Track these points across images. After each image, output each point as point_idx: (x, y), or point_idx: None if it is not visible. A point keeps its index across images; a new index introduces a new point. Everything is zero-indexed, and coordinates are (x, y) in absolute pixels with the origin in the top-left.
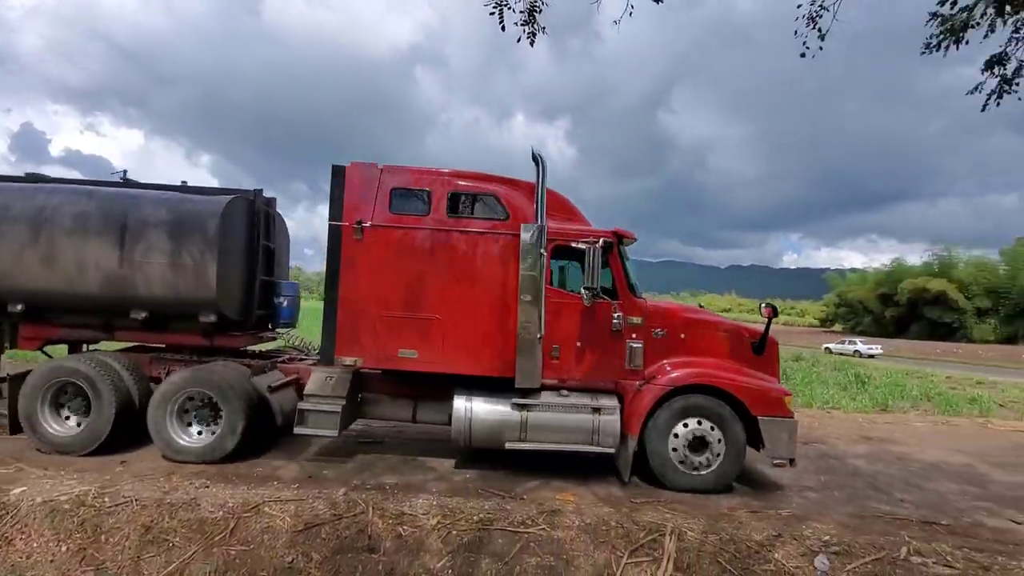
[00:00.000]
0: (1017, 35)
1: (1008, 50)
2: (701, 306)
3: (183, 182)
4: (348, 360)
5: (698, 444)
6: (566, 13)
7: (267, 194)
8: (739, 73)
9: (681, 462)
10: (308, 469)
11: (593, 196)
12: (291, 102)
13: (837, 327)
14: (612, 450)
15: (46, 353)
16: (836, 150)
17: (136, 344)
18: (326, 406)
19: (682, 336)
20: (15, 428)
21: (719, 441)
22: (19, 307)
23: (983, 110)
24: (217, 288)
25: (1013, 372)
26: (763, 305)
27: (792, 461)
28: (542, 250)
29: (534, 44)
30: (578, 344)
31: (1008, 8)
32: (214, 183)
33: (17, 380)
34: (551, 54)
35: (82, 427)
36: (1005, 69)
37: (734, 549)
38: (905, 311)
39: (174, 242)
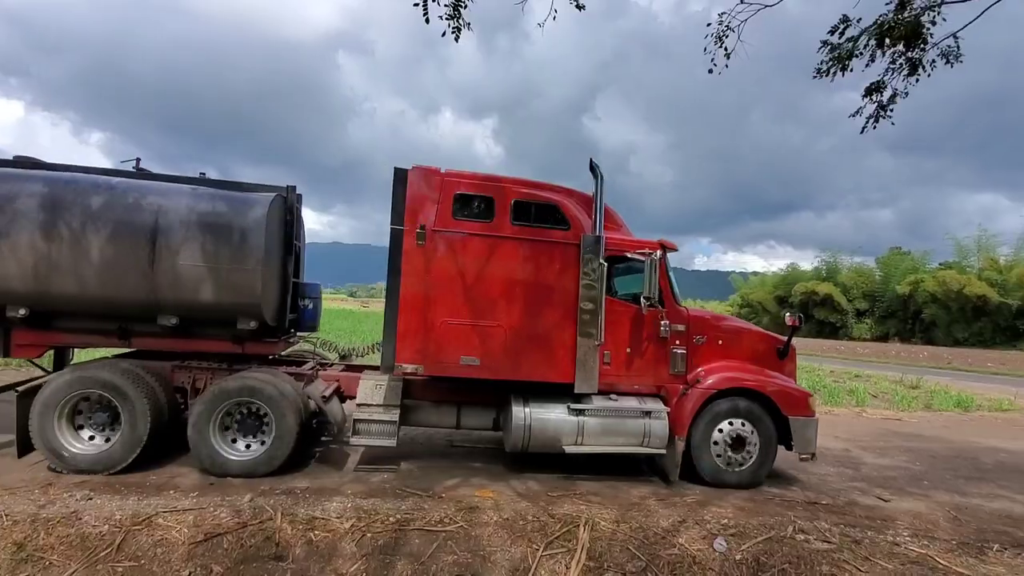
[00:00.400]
0: (893, 66)
1: (885, 79)
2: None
3: (201, 174)
4: (409, 368)
5: (737, 443)
6: (495, 10)
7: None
8: (658, 84)
9: (721, 459)
10: (209, 476)
11: None
12: (199, 79)
13: None
14: (663, 451)
15: (34, 363)
16: (742, 162)
17: (133, 351)
18: (382, 416)
19: (719, 342)
20: (25, 449)
21: (755, 440)
22: (21, 311)
23: (862, 132)
24: (261, 292)
25: (883, 366)
26: (788, 315)
27: (814, 455)
28: (602, 260)
29: (459, 39)
30: (628, 350)
31: (887, 41)
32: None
33: (28, 394)
34: (480, 51)
35: (112, 443)
36: (881, 96)
37: (643, 536)
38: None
39: (215, 243)
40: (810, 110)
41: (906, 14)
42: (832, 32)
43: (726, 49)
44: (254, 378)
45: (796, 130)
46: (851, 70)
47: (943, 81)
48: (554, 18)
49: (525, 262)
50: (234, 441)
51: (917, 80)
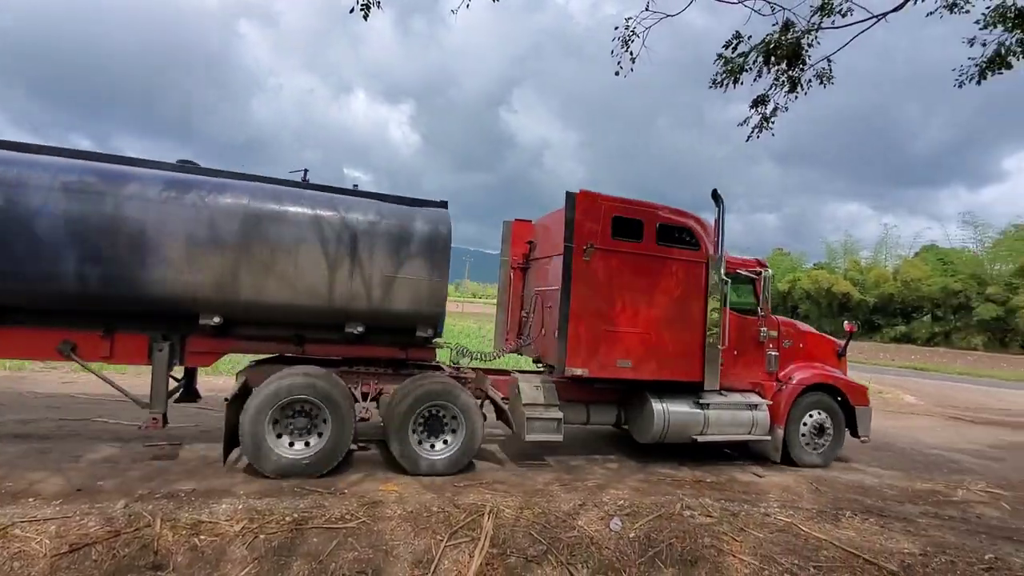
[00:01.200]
0: (777, 82)
1: (769, 93)
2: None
3: (354, 185)
4: (578, 371)
5: (819, 430)
6: None
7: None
8: (572, 82)
9: (807, 443)
10: (77, 481)
11: (435, 186)
12: (77, 38)
13: None
14: (768, 438)
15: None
16: (649, 163)
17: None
18: (549, 413)
19: (800, 346)
20: (230, 449)
21: (831, 427)
22: (215, 319)
23: (747, 140)
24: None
25: None
26: (847, 322)
27: (868, 439)
28: (725, 276)
29: (367, 18)
30: (735, 353)
31: (772, 59)
32: None
33: (237, 401)
34: (396, 32)
35: (321, 446)
36: (765, 108)
37: (545, 521)
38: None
39: (412, 256)
40: (709, 118)
41: (788, 36)
42: (726, 47)
43: (631, 53)
44: (449, 382)
45: (698, 136)
46: (742, 83)
47: (822, 100)
48: (467, 6)
49: (666, 278)
50: (420, 443)
51: (796, 97)
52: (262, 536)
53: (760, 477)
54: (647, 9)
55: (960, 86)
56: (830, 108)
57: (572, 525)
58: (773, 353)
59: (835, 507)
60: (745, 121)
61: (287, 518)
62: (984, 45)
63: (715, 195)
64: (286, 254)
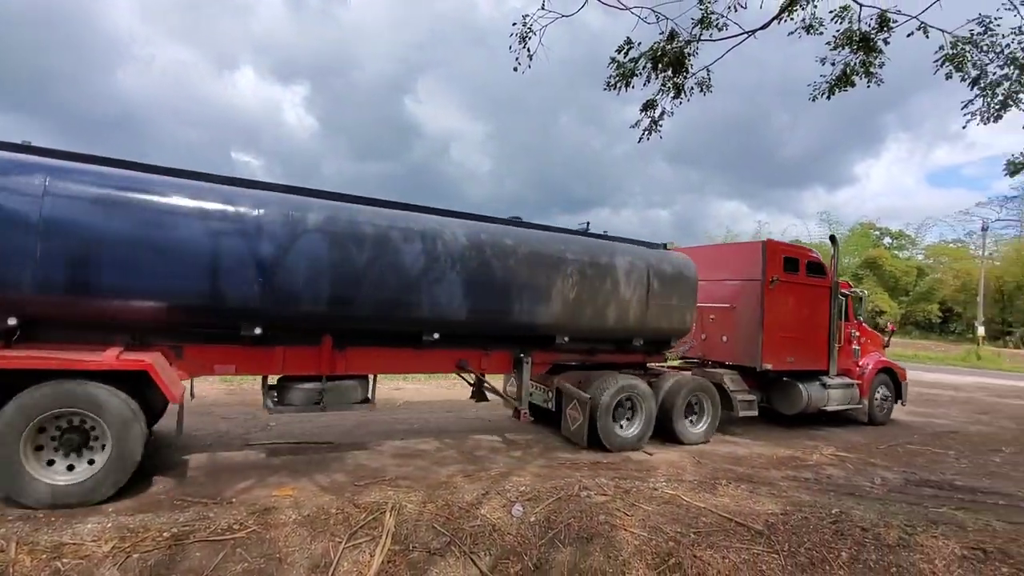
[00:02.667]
0: (664, 88)
1: (657, 98)
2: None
3: (586, 223)
4: (768, 365)
5: (884, 399)
6: None
7: None
8: (478, 74)
9: (878, 408)
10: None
11: (334, 173)
12: None
13: None
14: (860, 406)
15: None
16: (552, 158)
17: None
18: (748, 396)
19: (867, 341)
20: (593, 440)
21: (891, 396)
22: (565, 338)
23: (639, 141)
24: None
25: None
26: (890, 322)
27: (905, 403)
28: (840, 295)
29: None
30: (838, 347)
31: (659, 66)
32: None
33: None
34: (288, 4)
35: (637, 431)
36: (654, 112)
37: (448, 513)
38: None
39: (678, 289)
40: (608, 118)
41: (673, 45)
42: (618, 51)
43: (529, 50)
44: (703, 379)
45: (597, 134)
46: (633, 87)
47: (707, 106)
48: None
49: (810, 298)
50: (684, 422)
51: (681, 103)
52: (136, 555)
53: (651, 455)
54: (543, 8)
55: (814, 100)
56: (714, 114)
57: (475, 515)
58: (856, 347)
59: (713, 477)
60: (636, 123)
61: (165, 534)
62: (833, 64)
63: (832, 239)
64: (608, 292)
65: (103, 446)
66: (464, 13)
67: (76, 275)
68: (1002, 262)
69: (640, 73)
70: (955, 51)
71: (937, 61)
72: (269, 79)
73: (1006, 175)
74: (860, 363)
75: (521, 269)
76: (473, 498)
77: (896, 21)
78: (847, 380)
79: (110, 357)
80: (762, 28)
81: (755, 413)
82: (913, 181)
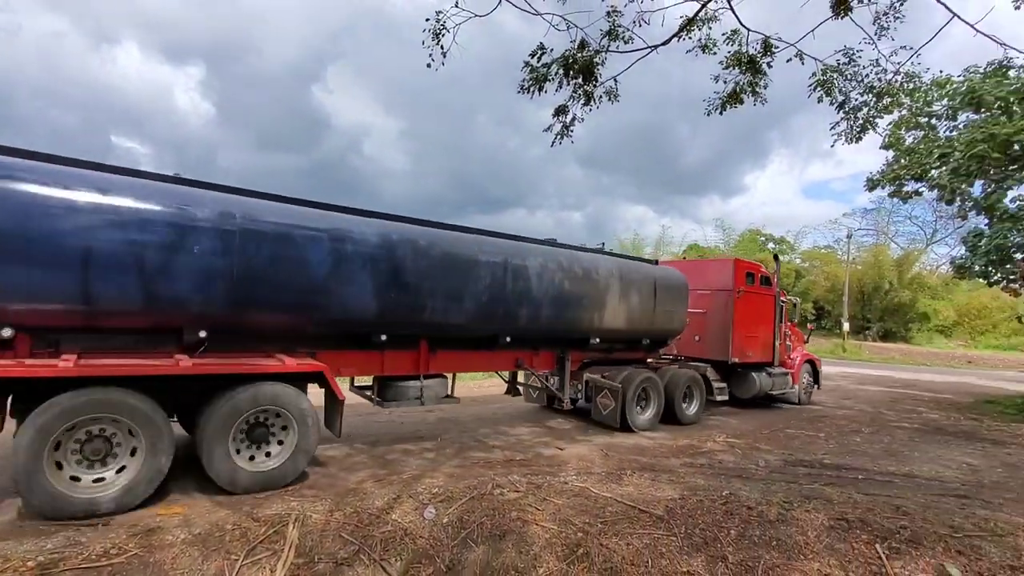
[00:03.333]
0: (575, 94)
1: (569, 104)
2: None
3: (601, 243)
4: (735, 359)
5: (808, 384)
6: None
7: None
8: (393, 66)
9: (804, 392)
10: None
11: (234, 164)
12: None
13: None
14: (793, 391)
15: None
16: (469, 157)
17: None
18: (722, 384)
19: (794, 338)
20: (624, 424)
21: (812, 381)
22: (596, 340)
23: (552, 145)
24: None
25: None
26: (809, 324)
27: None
28: (782, 302)
29: None
30: (776, 344)
31: (571, 73)
32: None
33: (624, 387)
34: None
35: (651, 414)
36: (565, 118)
37: (357, 520)
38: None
39: (674, 297)
40: (524, 119)
41: (584, 53)
42: (532, 56)
43: (443, 47)
44: (693, 372)
45: (514, 135)
46: (545, 91)
47: (617, 114)
48: None
49: (762, 305)
50: (683, 405)
51: (591, 109)
52: None
53: (561, 450)
54: (456, 6)
55: (708, 114)
56: (624, 121)
57: (386, 520)
58: (789, 344)
59: (619, 468)
60: (549, 128)
61: (29, 563)
62: (725, 83)
63: (776, 257)
64: (627, 301)
65: (281, 441)
66: (378, 2)
67: (251, 296)
68: (863, 266)
69: (552, 79)
70: (825, 78)
71: (811, 85)
72: (158, 58)
73: (866, 190)
74: (791, 356)
75: (574, 284)
76: (384, 503)
77: (778, 47)
78: (784, 370)
79: (292, 363)
80: (663, 44)
81: (727, 398)
82: (792, 192)
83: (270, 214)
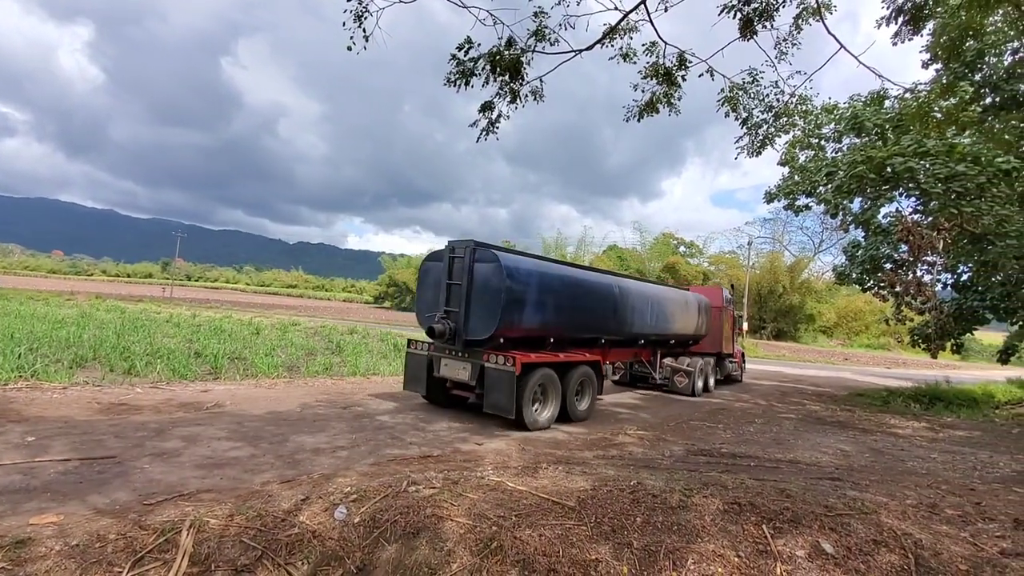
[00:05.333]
0: (501, 92)
1: (495, 101)
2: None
3: (663, 277)
4: (725, 351)
5: (742, 370)
6: None
7: None
8: (313, 47)
9: (741, 375)
10: None
11: (126, 138)
12: None
13: (387, 304)
14: (736, 373)
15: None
16: (395, 147)
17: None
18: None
19: (735, 335)
20: (696, 391)
21: (743, 368)
22: (672, 341)
23: (477, 141)
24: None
25: None
26: (744, 324)
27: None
28: (733, 315)
29: None
30: (733, 343)
31: (498, 69)
32: None
33: (693, 369)
34: None
35: (701, 384)
36: (491, 114)
37: (260, 524)
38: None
39: (706, 314)
40: (452, 112)
41: (511, 51)
42: (459, 49)
43: (364, 31)
44: (709, 357)
45: (441, 127)
46: (472, 86)
47: (543, 113)
48: None
49: (728, 316)
50: (705, 379)
51: (517, 108)
52: None
53: (480, 445)
54: None
55: (627, 121)
56: (551, 121)
57: (292, 523)
58: (735, 340)
59: (535, 462)
60: (475, 123)
61: None
62: (643, 92)
63: (732, 287)
64: (687, 317)
65: (586, 395)
66: None
67: (567, 319)
68: (761, 271)
69: (479, 74)
70: (731, 94)
71: (719, 100)
72: (38, 13)
73: (765, 202)
74: (737, 351)
75: (666, 308)
76: (291, 505)
77: (692, 62)
78: (734, 359)
79: (595, 355)
80: (587, 49)
81: (722, 378)
82: (703, 199)
83: (632, 284)
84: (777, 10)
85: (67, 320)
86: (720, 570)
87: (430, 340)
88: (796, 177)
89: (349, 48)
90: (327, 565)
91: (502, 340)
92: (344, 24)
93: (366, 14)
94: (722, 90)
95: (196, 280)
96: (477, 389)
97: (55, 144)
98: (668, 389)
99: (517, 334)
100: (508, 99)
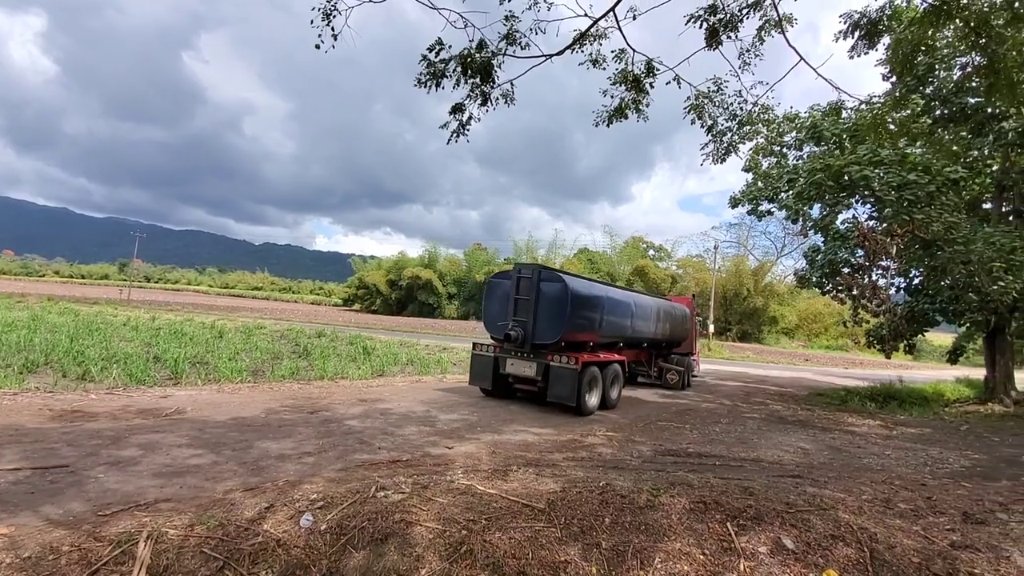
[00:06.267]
0: (472, 93)
1: (466, 103)
2: None
3: (663, 293)
4: (694, 349)
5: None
6: None
7: None
8: (281, 43)
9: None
10: None
11: (81, 133)
12: None
13: (357, 306)
14: (696, 370)
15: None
16: (365, 146)
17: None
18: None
19: (695, 336)
20: (686, 385)
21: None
22: (663, 344)
23: (448, 143)
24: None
25: (463, 340)
26: (711, 326)
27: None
28: (698, 320)
29: None
30: (696, 345)
31: (469, 71)
32: None
33: (681, 367)
34: None
35: (688, 379)
36: (462, 116)
37: (222, 533)
38: (405, 294)
39: (687, 320)
40: (424, 112)
41: (482, 54)
42: (430, 50)
43: (333, 29)
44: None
45: (412, 128)
46: (443, 87)
47: (515, 116)
48: None
49: (694, 322)
50: (679, 375)
51: (488, 110)
52: None
53: (450, 449)
54: None
55: (596, 126)
56: (523, 124)
57: (256, 531)
58: (696, 341)
59: (505, 465)
60: (445, 125)
61: None
62: (612, 98)
63: (694, 296)
64: (675, 324)
65: (618, 386)
66: None
67: (604, 327)
68: (726, 274)
69: (450, 75)
70: (697, 102)
71: (686, 108)
72: None
73: (730, 207)
74: (696, 351)
75: (661, 315)
76: (254, 513)
77: (659, 70)
78: (695, 357)
79: (620, 356)
80: (557, 54)
81: (694, 372)
82: (671, 204)
83: (642, 298)
84: (741, 21)
85: (17, 323)
86: (686, 568)
87: (494, 343)
88: (759, 183)
89: (317, 46)
90: (292, 574)
91: (563, 344)
92: (312, 22)
93: (335, 12)
94: (688, 98)
95: (156, 282)
96: (541, 383)
97: (4, 139)
98: (662, 384)
99: (572, 339)
100: (479, 101)
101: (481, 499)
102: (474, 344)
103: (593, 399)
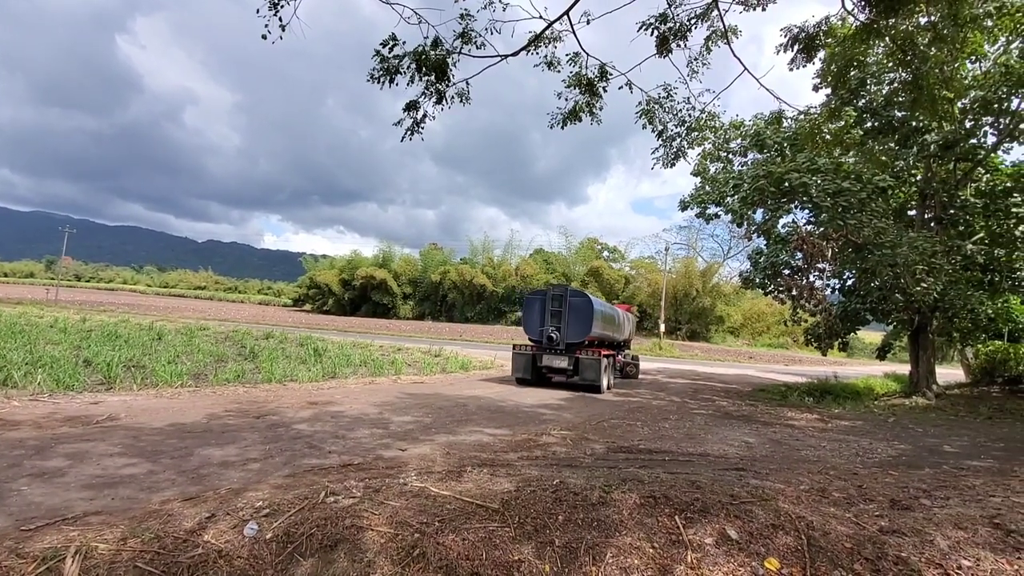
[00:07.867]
0: (427, 91)
1: (420, 100)
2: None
3: (617, 299)
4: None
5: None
6: None
7: None
8: (226, 30)
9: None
10: None
11: (3, 120)
12: None
13: (308, 307)
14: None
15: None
16: (317, 142)
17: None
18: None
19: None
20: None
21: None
22: (616, 343)
23: (402, 140)
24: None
25: (419, 340)
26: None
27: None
28: (630, 317)
29: None
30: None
31: (424, 69)
32: None
33: (628, 362)
34: None
35: (633, 372)
36: (416, 114)
37: (158, 546)
38: (359, 294)
39: (632, 323)
40: (379, 108)
41: (437, 51)
42: (384, 45)
43: (281, 19)
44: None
45: (367, 124)
46: (397, 84)
47: (472, 114)
48: None
49: (630, 321)
50: (628, 372)
51: (443, 109)
52: None
53: (403, 451)
54: None
55: (551, 127)
56: (480, 123)
57: (196, 543)
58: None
59: (460, 466)
60: (400, 122)
61: None
62: (567, 100)
63: (640, 307)
64: (624, 326)
65: (612, 372)
66: None
67: (605, 332)
68: (676, 275)
69: (404, 72)
70: (648, 108)
71: (637, 113)
72: None
73: (679, 210)
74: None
75: (623, 322)
76: (194, 524)
77: (612, 74)
78: (634, 352)
79: (607, 351)
80: (513, 55)
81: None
82: (625, 206)
83: (615, 309)
84: (690, 31)
85: None
86: (636, 562)
87: (531, 344)
88: (707, 188)
89: (264, 36)
90: None
91: (586, 343)
92: (259, 11)
93: (283, 2)
94: (640, 103)
95: (88, 281)
96: (571, 373)
97: None
98: (624, 374)
99: (591, 340)
100: (434, 99)
101: (435, 501)
102: (514, 345)
103: (606, 381)
